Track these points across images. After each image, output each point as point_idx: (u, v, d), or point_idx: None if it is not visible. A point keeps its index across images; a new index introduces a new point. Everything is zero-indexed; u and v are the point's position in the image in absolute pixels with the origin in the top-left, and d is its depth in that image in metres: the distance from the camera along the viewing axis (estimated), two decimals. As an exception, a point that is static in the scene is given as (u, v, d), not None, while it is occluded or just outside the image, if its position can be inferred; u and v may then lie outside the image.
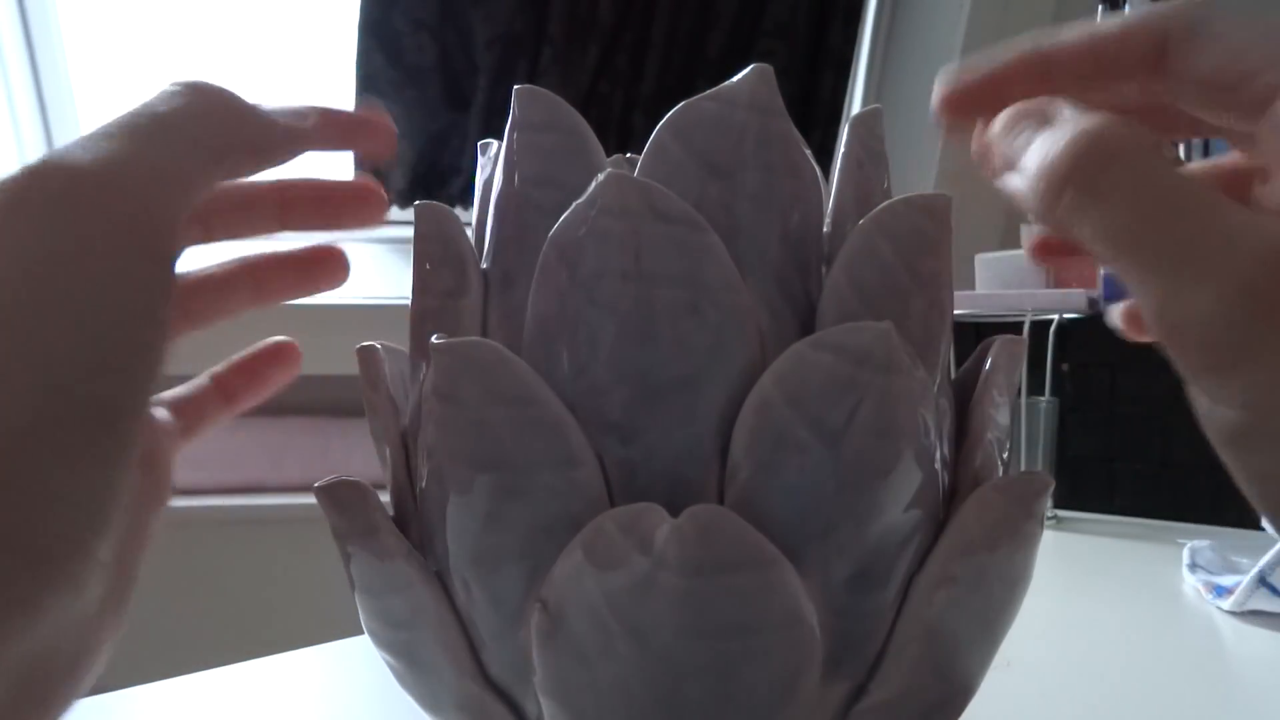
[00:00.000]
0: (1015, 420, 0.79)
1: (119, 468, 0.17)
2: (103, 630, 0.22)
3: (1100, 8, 0.96)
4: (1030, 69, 0.22)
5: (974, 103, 0.22)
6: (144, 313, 0.18)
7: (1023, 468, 0.79)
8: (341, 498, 0.25)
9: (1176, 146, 0.93)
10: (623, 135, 1.36)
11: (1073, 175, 0.18)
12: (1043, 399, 0.82)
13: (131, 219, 0.18)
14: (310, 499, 0.25)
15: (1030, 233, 0.26)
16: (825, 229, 0.25)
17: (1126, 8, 0.92)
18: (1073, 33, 0.22)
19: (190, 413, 0.27)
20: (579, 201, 0.22)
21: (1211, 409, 0.17)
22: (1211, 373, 0.17)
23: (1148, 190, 0.17)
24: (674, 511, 0.20)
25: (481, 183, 0.27)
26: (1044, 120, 0.20)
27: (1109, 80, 0.22)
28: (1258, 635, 0.49)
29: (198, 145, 0.21)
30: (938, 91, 0.23)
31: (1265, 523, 0.67)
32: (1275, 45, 0.19)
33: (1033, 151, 0.19)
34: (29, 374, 0.16)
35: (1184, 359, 0.17)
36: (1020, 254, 0.99)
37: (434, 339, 0.22)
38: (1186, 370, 0.17)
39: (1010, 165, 0.20)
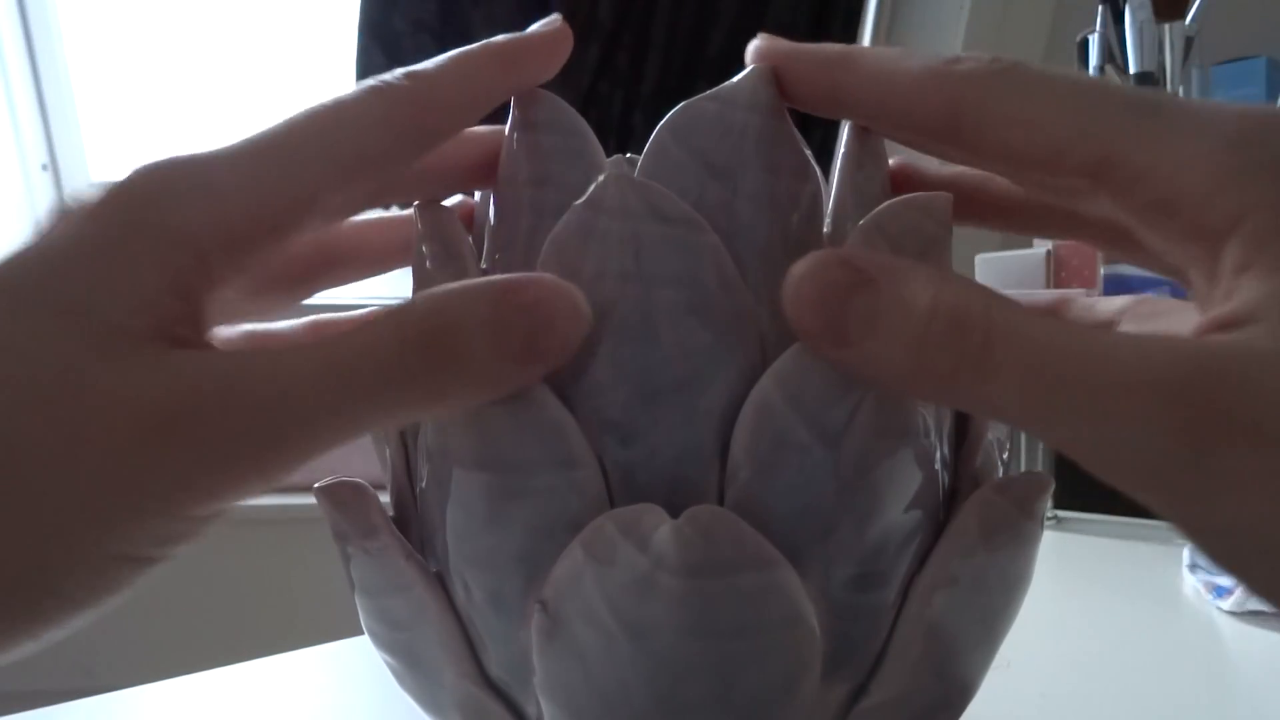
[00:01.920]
0: (1015, 420, 0.78)
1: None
2: None
3: (1100, 9, 0.96)
4: (821, 85, 0.22)
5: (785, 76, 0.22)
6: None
7: (1023, 468, 0.79)
8: (341, 498, 0.25)
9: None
10: (623, 135, 1.36)
11: (959, 362, 0.17)
12: (1043, 399, 0.82)
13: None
14: (310, 499, 0.25)
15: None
16: (825, 229, 0.25)
17: (1126, 11, 0.92)
18: (867, 65, 0.21)
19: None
20: (579, 202, 0.22)
21: (1204, 539, 0.17)
22: (1177, 503, 0.16)
23: (1037, 358, 0.16)
24: (674, 512, 0.20)
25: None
26: (876, 292, 0.18)
27: (899, 133, 0.21)
28: (1258, 635, 0.49)
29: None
30: (757, 48, 0.23)
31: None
32: (1083, 114, 0.18)
33: (896, 333, 0.18)
34: None
35: (1144, 496, 0.17)
36: (1020, 254, 0.99)
37: (434, 339, 0.22)
38: (1153, 507, 0.17)
39: (845, 340, 0.19)
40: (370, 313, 0.18)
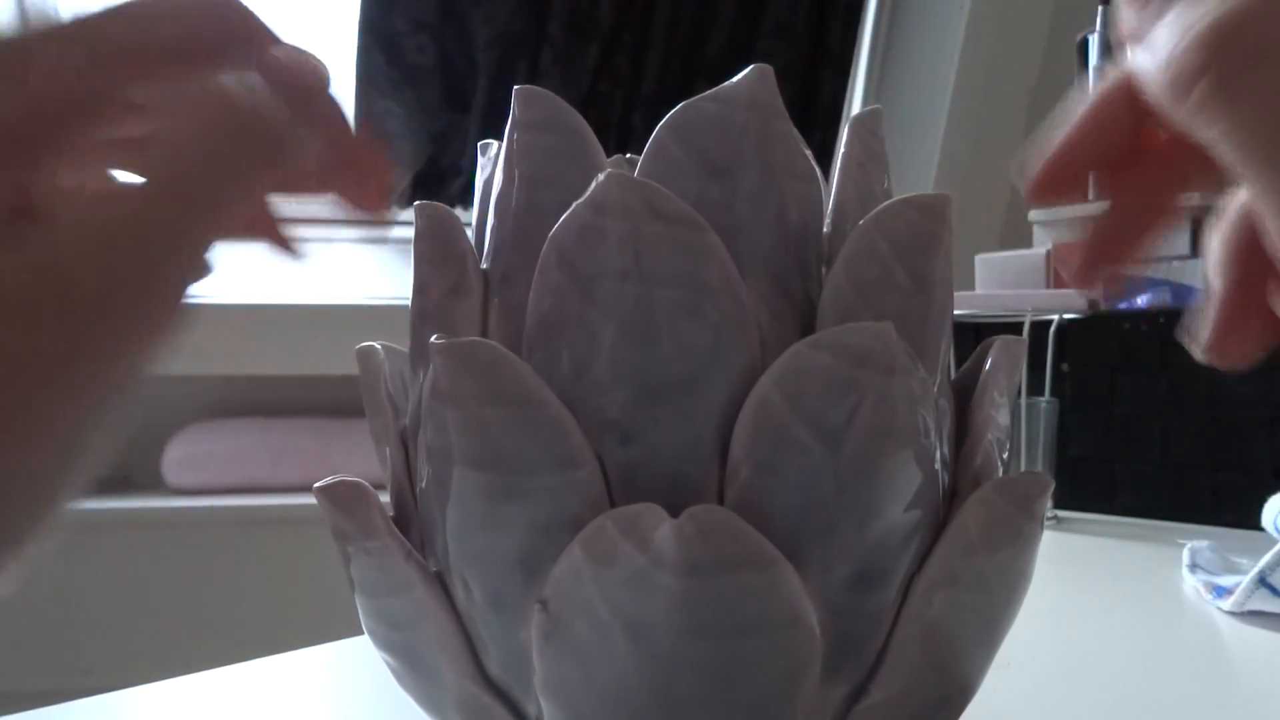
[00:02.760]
0: (1015, 420, 0.79)
1: None
2: None
3: (1100, 9, 0.96)
4: (1085, 147, 0.21)
5: (1056, 184, 0.21)
6: None
7: (1023, 468, 0.79)
8: (341, 498, 0.25)
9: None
10: (623, 135, 1.36)
11: (1211, 65, 0.16)
12: (1043, 399, 0.82)
13: None
14: (310, 499, 0.25)
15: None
16: (825, 229, 0.25)
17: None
18: (1071, 113, 0.21)
19: None
20: (579, 201, 0.22)
21: None
22: None
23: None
24: (674, 512, 0.20)
25: (481, 183, 0.27)
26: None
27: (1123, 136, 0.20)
28: (1258, 635, 0.49)
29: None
30: (1025, 182, 0.22)
31: (1265, 522, 0.67)
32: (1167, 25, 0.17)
33: (1167, 27, 0.16)
34: None
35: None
36: (1020, 254, 0.99)
37: (434, 339, 0.22)
38: None
39: (1138, 37, 0.17)
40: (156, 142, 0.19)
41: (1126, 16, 0.18)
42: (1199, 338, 0.22)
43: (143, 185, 0.18)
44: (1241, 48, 0.15)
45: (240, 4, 0.22)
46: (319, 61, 0.22)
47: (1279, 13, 0.16)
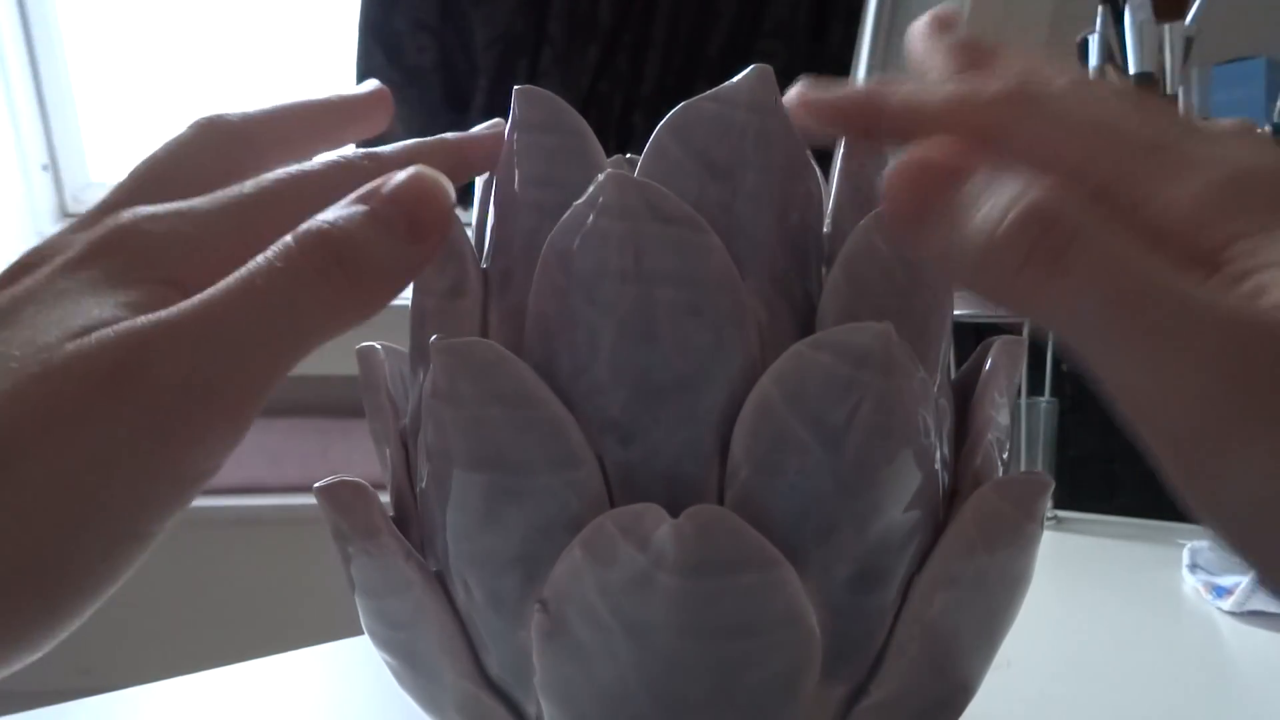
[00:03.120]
0: (1015, 420, 0.79)
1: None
2: None
3: (1100, 9, 0.96)
4: (856, 115, 0.23)
5: (823, 115, 0.23)
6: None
7: (1023, 468, 0.79)
8: (341, 498, 0.25)
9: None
10: (623, 135, 1.36)
11: (1031, 255, 0.16)
12: (1043, 399, 0.82)
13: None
14: (310, 499, 0.25)
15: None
16: (825, 229, 0.25)
17: (1126, 12, 0.92)
18: (900, 94, 0.22)
19: None
20: (579, 202, 0.22)
21: (1214, 498, 0.16)
22: (1205, 455, 0.16)
23: (1113, 272, 0.16)
24: (674, 512, 0.20)
25: (481, 183, 0.27)
26: (972, 178, 0.18)
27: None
28: (1258, 635, 0.49)
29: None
30: (797, 94, 0.23)
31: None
32: (1092, 149, 0.19)
33: (977, 222, 0.17)
34: None
35: (1164, 447, 0.16)
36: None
37: (433, 339, 0.22)
38: (1171, 465, 0.16)
39: (930, 221, 0.18)
40: (248, 271, 0.20)
41: (913, 205, 0.19)
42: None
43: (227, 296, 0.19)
44: (1052, 235, 0.16)
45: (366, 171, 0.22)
46: (436, 175, 0.22)
47: (1075, 202, 0.17)
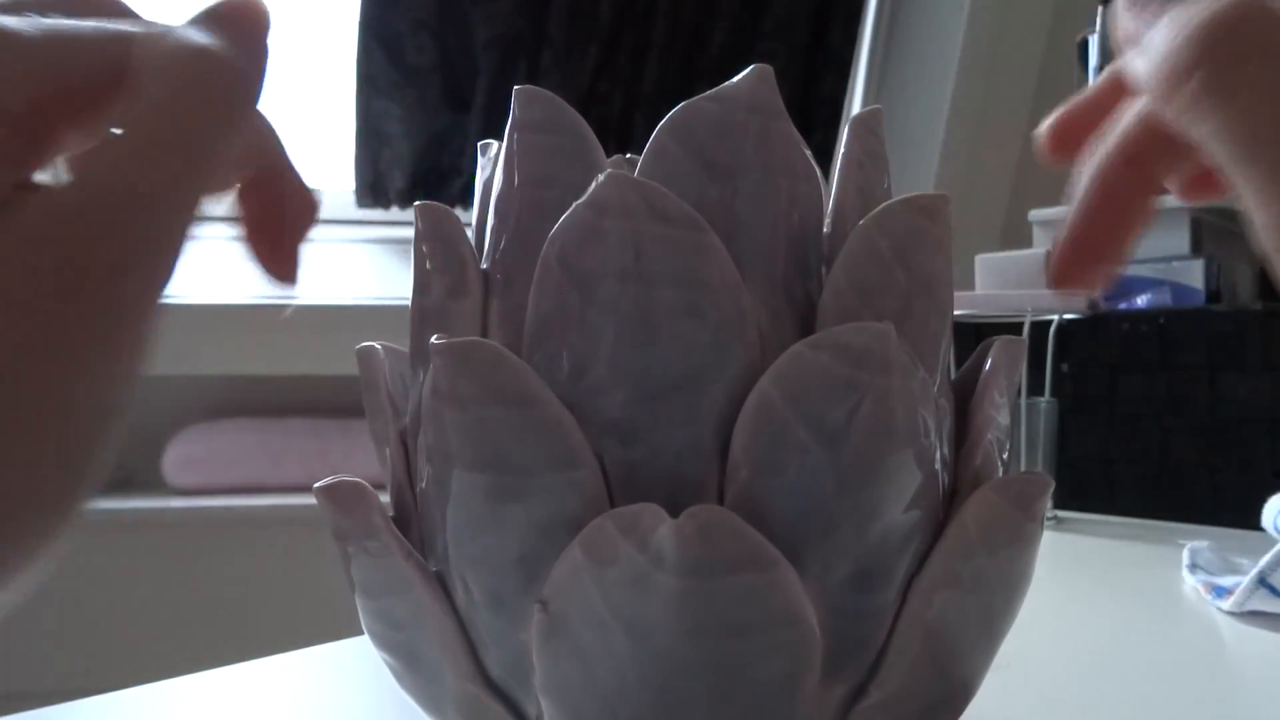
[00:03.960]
0: (1015, 420, 0.79)
1: None
2: None
3: (1100, 9, 0.96)
4: (1108, 99, 0.21)
5: (1072, 134, 0.22)
6: None
7: (1023, 468, 0.79)
8: (341, 498, 0.25)
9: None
10: (623, 135, 1.36)
11: (1202, 62, 0.16)
12: (1043, 399, 0.82)
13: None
14: (310, 499, 0.25)
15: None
16: (825, 229, 0.25)
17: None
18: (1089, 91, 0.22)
19: None
20: (579, 202, 0.22)
21: None
22: None
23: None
24: (674, 512, 0.20)
25: (481, 183, 0.27)
26: None
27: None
28: (1258, 635, 0.49)
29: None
30: (1043, 132, 0.23)
31: (1265, 522, 0.67)
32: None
33: (1161, 27, 0.17)
34: None
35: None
36: (1020, 254, 0.99)
37: (434, 339, 0.22)
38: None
39: (1133, 39, 0.18)
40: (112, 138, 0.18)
41: (1123, 21, 0.18)
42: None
43: (131, 143, 0.17)
44: (1231, 46, 0.16)
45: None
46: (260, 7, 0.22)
47: (1267, 12, 0.16)
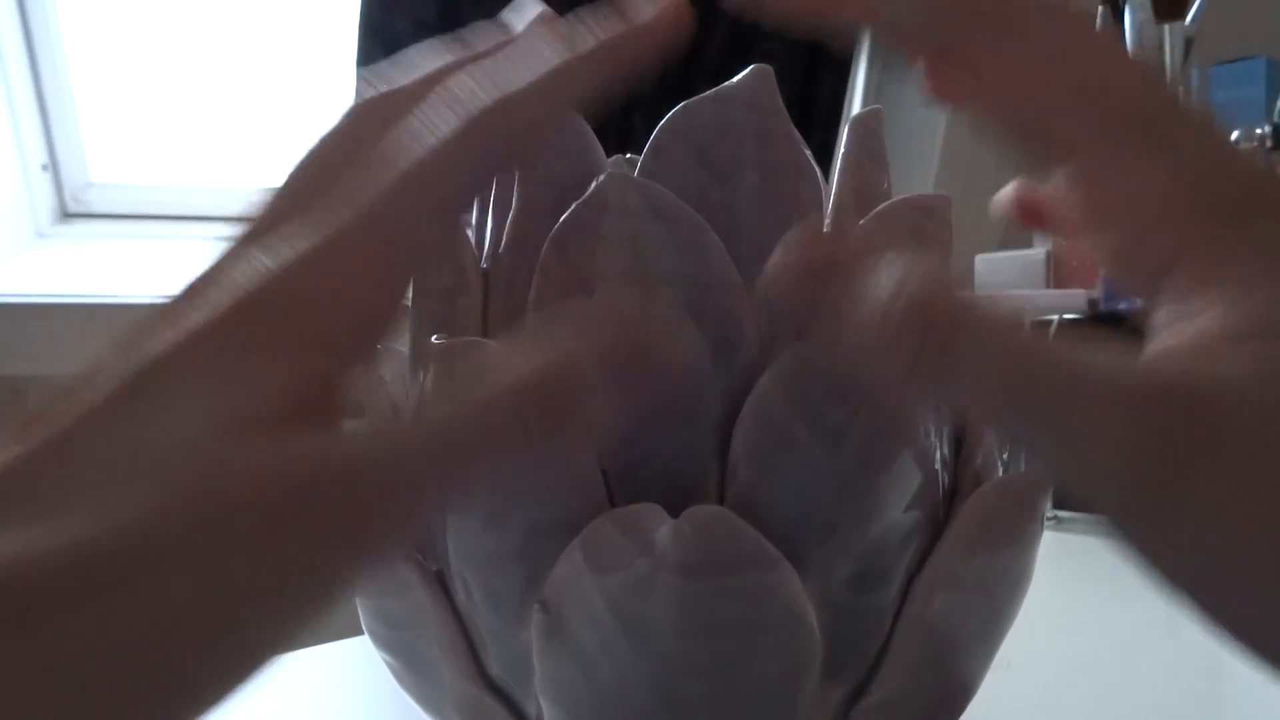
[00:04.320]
0: (1015, 420, 0.78)
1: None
2: None
3: (1100, 9, 0.96)
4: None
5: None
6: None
7: (1023, 468, 0.79)
8: (341, 498, 0.25)
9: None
10: (623, 135, 1.36)
11: (921, 351, 0.16)
12: (1043, 399, 0.82)
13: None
14: (310, 499, 0.25)
15: (1043, 235, 0.25)
16: (825, 229, 0.25)
17: (1126, 12, 0.92)
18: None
19: None
20: (579, 202, 0.22)
21: (1155, 557, 0.16)
22: (1135, 521, 0.16)
23: (1007, 356, 0.16)
24: (674, 512, 0.20)
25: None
26: (847, 276, 0.17)
27: (898, 49, 0.20)
28: (1258, 635, 0.49)
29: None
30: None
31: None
32: (1064, 86, 0.18)
33: (865, 318, 0.17)
34: None
35: (1100, 508, 0.16)
36: (1020, 254, 0.99)
37: (434, 339, 0.22)
38: (1109, 522, 0.16)
39: (817, 315, 0.18)
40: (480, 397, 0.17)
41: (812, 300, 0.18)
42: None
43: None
44: (939, 326, 0.16)
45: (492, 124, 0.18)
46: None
47: (946, 292, 0.16)
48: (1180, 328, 0.17)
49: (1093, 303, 0.88)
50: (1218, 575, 0.16)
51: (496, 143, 0.18)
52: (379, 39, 1.31)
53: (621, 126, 1.37)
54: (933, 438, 0.23)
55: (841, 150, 0.26)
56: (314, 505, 0.16)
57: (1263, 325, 0.16)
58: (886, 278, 0.17)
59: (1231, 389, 0.15)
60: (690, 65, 1.39)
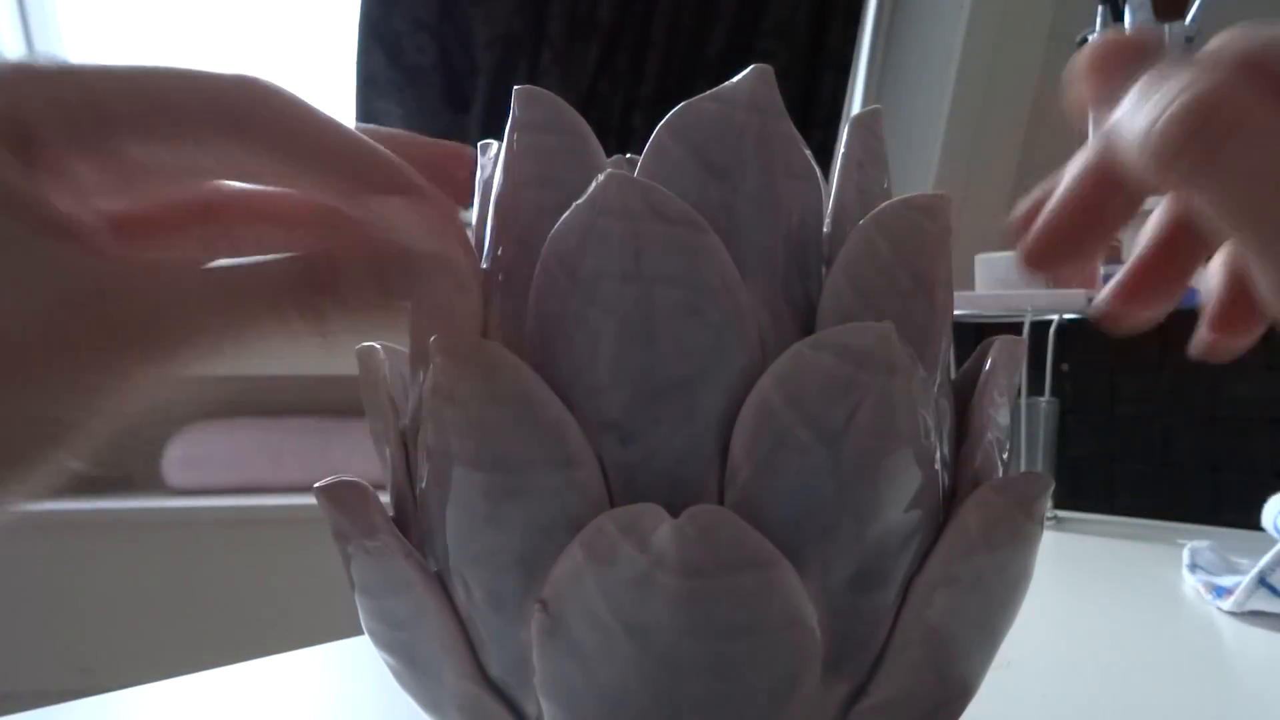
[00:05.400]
0: (1015, 420, 0.79)
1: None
2: None
3: (1100, 9, 0.96)
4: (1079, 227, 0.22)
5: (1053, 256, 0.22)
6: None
7: (1023, 468, 0.79)
8: (341, 498, 0.25)
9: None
10: (623, 135, 1.36)
11: (1188, 148, 0.17)
12: (1043, 399, 0.82)
13: None
14: (310, 499, 0.25)
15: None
16: (825, 229, 0.25)
17: (1126, 12, 0.92)
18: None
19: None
20: (579, 202, 0.22)
21: None
22: None
23: (1270, 166, 0.16)
24: (674, 512, 0.20)
25: (481, 183, 0.27)
26: (1148, 66, 0.18)
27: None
28: (1258, 635, 0.49)
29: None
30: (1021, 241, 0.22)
31: (1265, 522, 0.67)
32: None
33: (1137, 106, 0.18)
34: None
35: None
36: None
37: (434, 339, 0.22)
38: None
39: (1098, 103, 0.19)
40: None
41: (1085, 85, 0.20)
42: (1197, 335, 0.23)
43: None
44: (1211, 130, 0.17)
45: (272, 97, 0.21)
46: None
47: (1249, 90, 0.17)
48: None
49: (1092, 302, 0.88)
50: None
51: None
52: (379, 39, 1.31)
53: (621, 126, 1.37)
54: (933, 438, 0.23)
55: (841, 150, 0.26)
56: (95, 317, 0.18)
57: None
58: (1185, 73, 0.18)
59: None
60: (690, 65, 1.39)
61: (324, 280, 0.20)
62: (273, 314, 0.20)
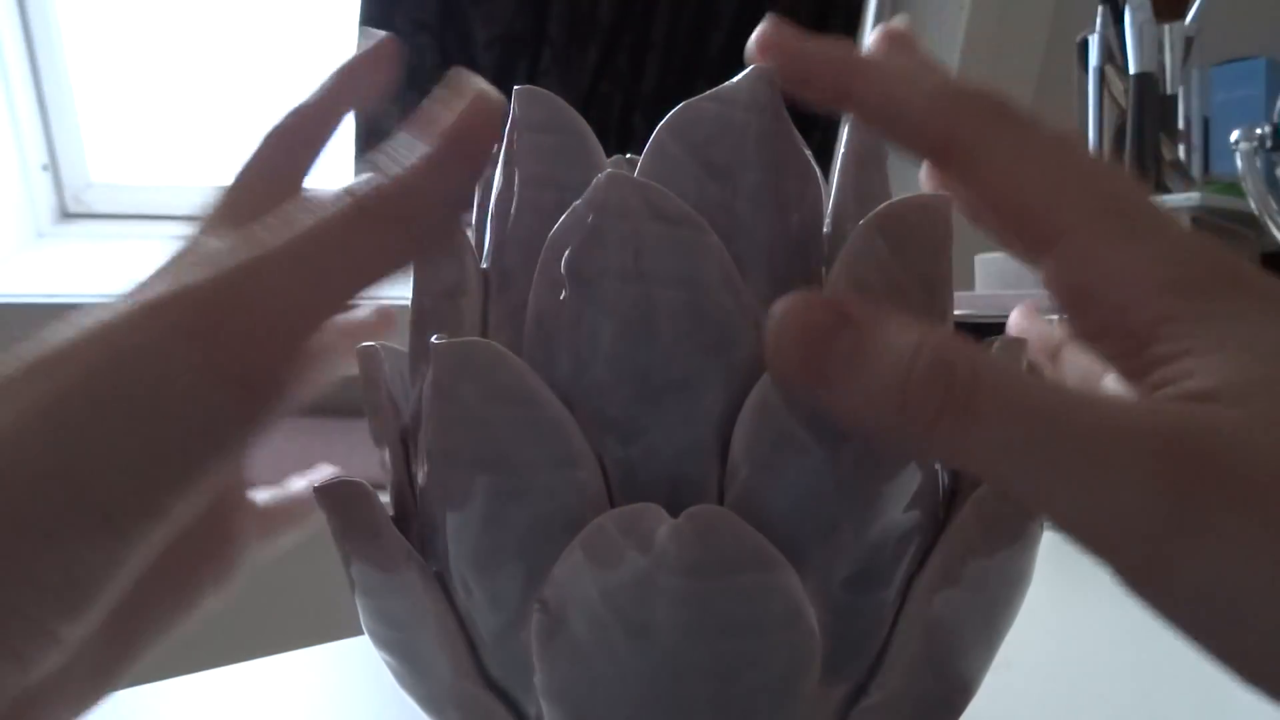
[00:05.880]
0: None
1: (111, 561, 0.18)
2: (61, 701, 0.23)
3: (1100, 9, 0.96)
4: (829, 87, 0.22)
5: (781, 59, 0.23)
6: (197, 430, 0.19)
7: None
8: (341, 498, 0.25)
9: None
10: (623, 135, 1.36)
11: (943, 407, 0.17)
12: (1043, 399, 0.81)
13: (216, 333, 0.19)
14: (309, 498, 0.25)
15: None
16: (825, 229, 0.25)
17: (1126, 12, 0.92)
18: (878, 77, 0.22)
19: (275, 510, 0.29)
20: (579, 201, 0.22)
21: (1166, 601, 0.17)
22: (1152, 568, 0.16)
23: (1023, 407, 0.17)
24: (674, 512, 0.20)
25: (481, 183, 0.27)
26: (859, 334, 0.18)
27: (895, 140, 0.22)
28: (1258, 635, 0.49)
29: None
30: (763, 35, 0.23)
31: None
32: (1053, 182, 0.20)
33: (881, 381, 0.18)
34: (38, 455, 0.17)
35: (1110, 559, 0.17)
36: (1020, 254, 0.99)
37: (434, 339, 0.22)
38: (1123, 575, 0.17)
39: (825, 380, 0.19)
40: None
41: (795, 357, 0.19)
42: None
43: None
44: (961, 384, 0.17)
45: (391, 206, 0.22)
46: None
47: (968, 349, 0.18)
48: (1172, 389, 0.17)
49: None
50: (1232, 616, 0.16)
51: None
52: (379, 39, 1.31)
53: (621, 126, 1.37)
54: (933, 438, 0.23)
55: (841, 150, 0.26)
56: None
57: (1255, 377, 0.17)
58: (902, 339, 0.18)
59: (1238, 434, 0.16)
60: (690, 65, 1.39)
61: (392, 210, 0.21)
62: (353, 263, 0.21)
